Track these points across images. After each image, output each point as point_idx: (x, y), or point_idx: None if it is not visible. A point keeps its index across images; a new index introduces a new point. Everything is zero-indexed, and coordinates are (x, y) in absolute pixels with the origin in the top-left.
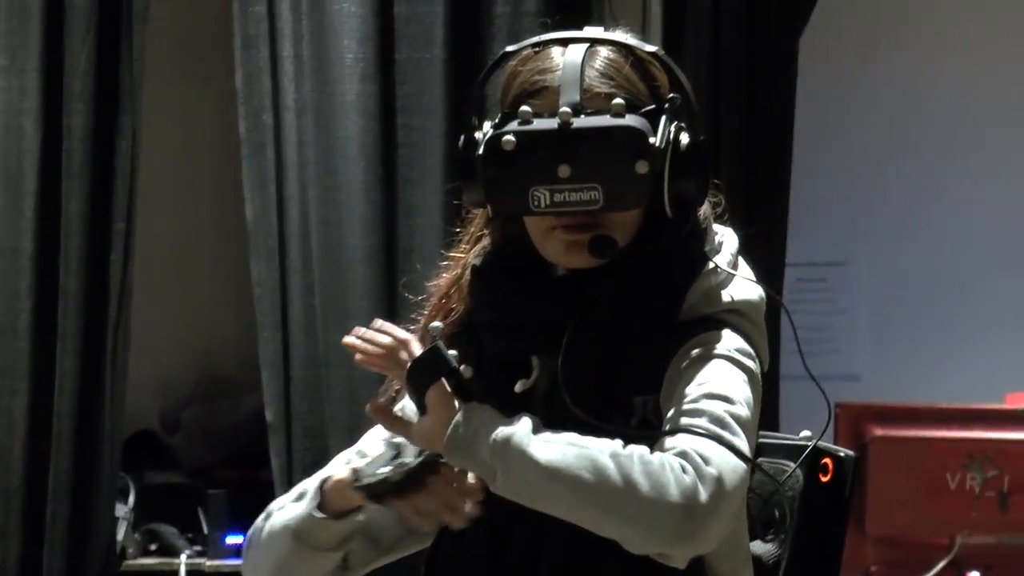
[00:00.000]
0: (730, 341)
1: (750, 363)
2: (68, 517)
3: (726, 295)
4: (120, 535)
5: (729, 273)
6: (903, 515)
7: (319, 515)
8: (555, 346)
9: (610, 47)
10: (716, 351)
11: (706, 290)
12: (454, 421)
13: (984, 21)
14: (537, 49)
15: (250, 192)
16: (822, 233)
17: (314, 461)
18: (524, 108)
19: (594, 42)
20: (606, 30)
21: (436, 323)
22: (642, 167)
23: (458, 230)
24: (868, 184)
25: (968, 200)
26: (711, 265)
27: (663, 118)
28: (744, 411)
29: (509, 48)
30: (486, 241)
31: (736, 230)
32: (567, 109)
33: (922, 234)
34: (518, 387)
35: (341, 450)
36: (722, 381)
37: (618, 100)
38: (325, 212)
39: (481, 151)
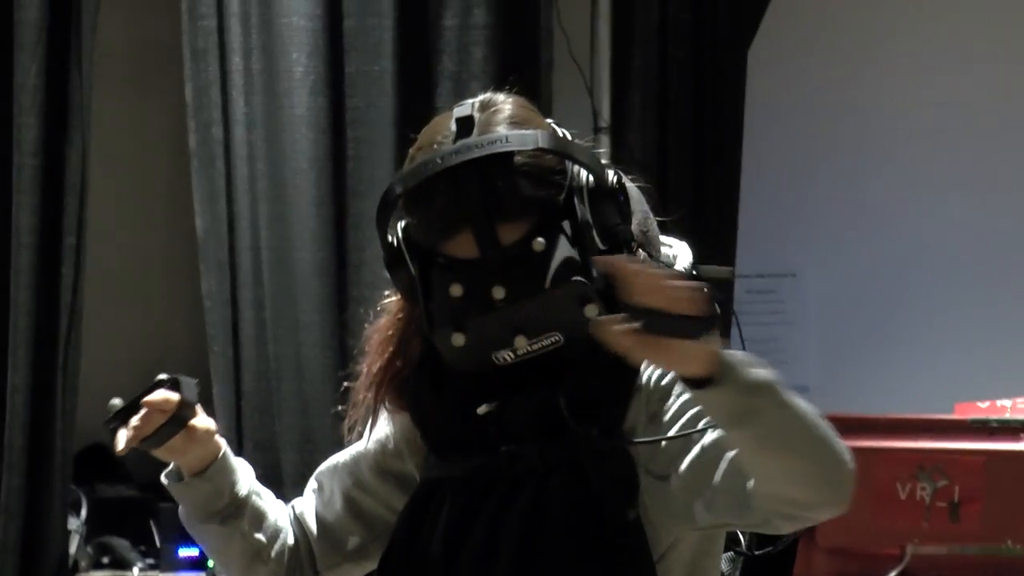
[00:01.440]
0: None
1: None
2: (20, 531)
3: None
4: (72, 549)
5: None
6: (854, 526)
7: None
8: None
9: (493, 163)
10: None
11: None
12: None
13: (933, 35)
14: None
15: (200, 205)
16: (771, 245)
17: (265, 474)
18: (455, 287)
19: (479, 164)
20: (479, 99)
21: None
22: (591, 312)
23: None
24: (818, 197)
25: (916, 214)
26: None
27: (575, 223)
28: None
29: (397, 189)
30: None
31: (686, 242)
32: (503, 293)
33: (871, 247)
34: (481, 409)
35: (293, 462)
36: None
37: (539, 240)
38: (275, 225)
39: (432, 336)
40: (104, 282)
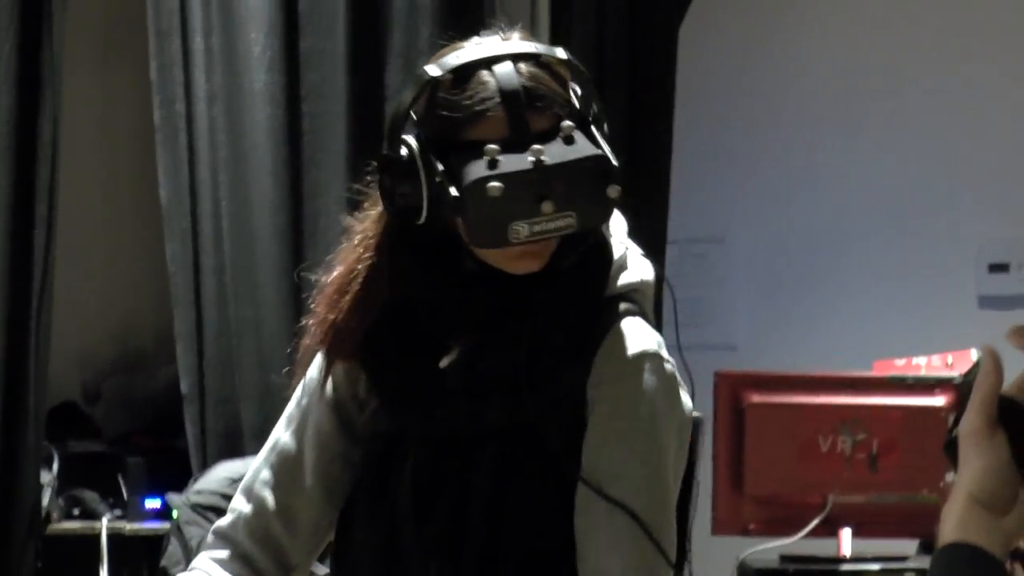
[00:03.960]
0: (661, 382)
1: (680, 400)
2: None
3: (630, 275)
4: (45, 501)
5: (624, 254)
6: (779, 476)
7: None
8: (474, 326)
9: (526, 60)
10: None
11: (614, 272)
12: None
13: (860, 4)
14: (455, 72)
15: (164, 176)
16: (702, 213)
17: (226, 428)
18: (491, 146)
19: (514, 59)
20: (501, 29)
21: None
22: (613, 192)
23: (355, 218)
24: (745, 167)
25: (837, 181)
26: (620, 250)
27: (594, 129)
28: (673, 499)
29: (433, 73)
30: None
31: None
32: (539, 147)
33: (796, 214)
34: (443, 363)
35: (252, 415)
36: (659, 464)
37: (566, 123)
38: (235, 194)
39: (462, 194)
40: (74, 249)
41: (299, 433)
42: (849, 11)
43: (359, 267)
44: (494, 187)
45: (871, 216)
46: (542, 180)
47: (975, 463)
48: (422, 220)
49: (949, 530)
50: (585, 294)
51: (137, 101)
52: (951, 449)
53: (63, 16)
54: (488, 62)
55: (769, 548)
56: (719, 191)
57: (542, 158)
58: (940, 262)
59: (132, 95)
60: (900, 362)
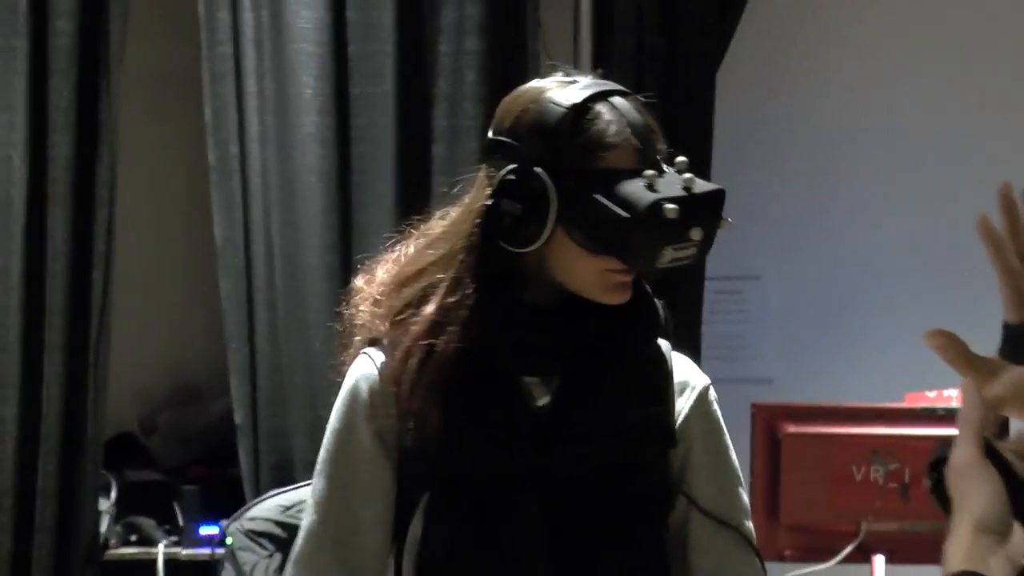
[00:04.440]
0: (720, 411)
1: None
2: (56, 513)
3: (662, 311)
4: (103, 527)
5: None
6: (813, 504)
7: None
8: (560, 366)
9: (630, 97)
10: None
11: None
12: None
13: (888, 54)
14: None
15: (219, 215)
16: (737, 250)
17: (278, 460)
18: (649, 172)
19: (623, 94)
20: (569, 72)
21: None
22: (726, 225)
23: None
24: (779, 207)
25: (868, 222)
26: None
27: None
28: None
29: (569, 103)
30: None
31: None
32: (690, 175)
33: (827, 251)
34: (542, 402)
35: (302, 449)
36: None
37: (681, 159)
38: (287, 233)
39: (640, 214)
40: (131, 287)
41: (350, 491)
42: (887, 58)
43: (442, 290)
44: (670, 208)
45: (899, 254)
46: (695, 208)
47: (978, 491)
48: (536, 245)
49: (958, 560)
50: (650, 331)
51: (191, 144)
52: (939, 489)
53: (120, 64)
54: (605, 95)
55: (804, 574)
56: (754, 230)
57: (692, 187)
58: (969, 297)
59: (186, 139)
60: (931, 394)
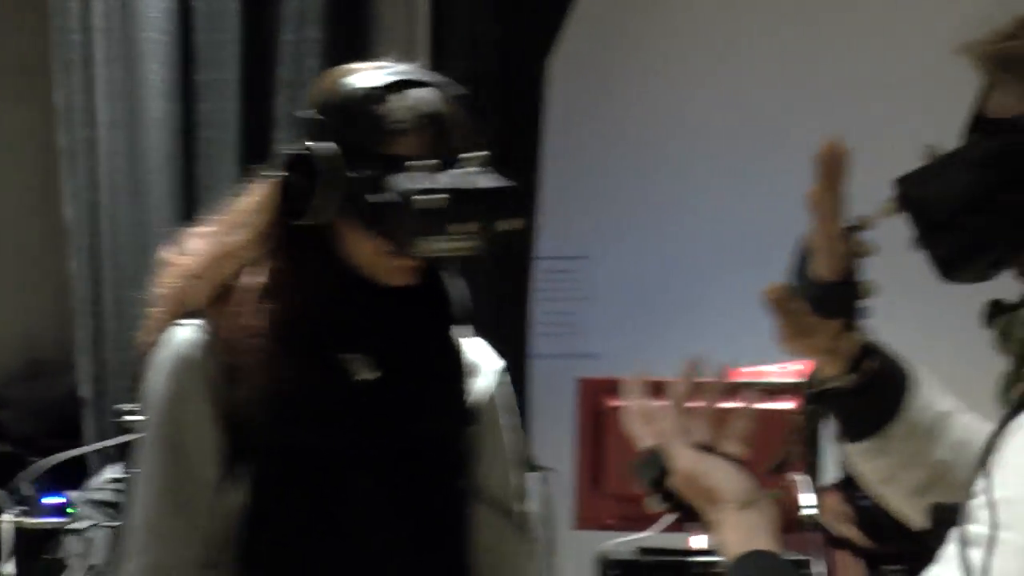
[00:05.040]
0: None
1: None
2: None
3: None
4: None
5: None
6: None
7: None
8: (381, 343)
9: (442, 88)
10: (507, 404)
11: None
12: None
13: (722, 32)
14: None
15: (69, 197)
16: (567, 231)
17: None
18: (432, 162)
19: (432, 84)
20: (397, 60)
21: None
22: (517, 223)
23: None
24: (607, 190)
25: (689, 205)
26: None
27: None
28: None
29: (367, 87)
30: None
31: None
32: (477, 169)
33: (652, 233)
34: (368, 375)
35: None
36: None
37: (480, 153)
38: (134, 214)
39: (400, 203)
40: None
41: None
42: (726, 34)
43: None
44: (439, 199)
45: (724, 236)
46: (474, 201)
47: (720, 477)
48: (315, 220)
49: (738, 544)
50: (449, 312)
51: (41, 128)
52: (675, 498)
53: None
54: (410, 84)
55: (626, 541)
56: (583, 212)
57: (477, 180)
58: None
59: (37, 124)
60: (748, 370)
